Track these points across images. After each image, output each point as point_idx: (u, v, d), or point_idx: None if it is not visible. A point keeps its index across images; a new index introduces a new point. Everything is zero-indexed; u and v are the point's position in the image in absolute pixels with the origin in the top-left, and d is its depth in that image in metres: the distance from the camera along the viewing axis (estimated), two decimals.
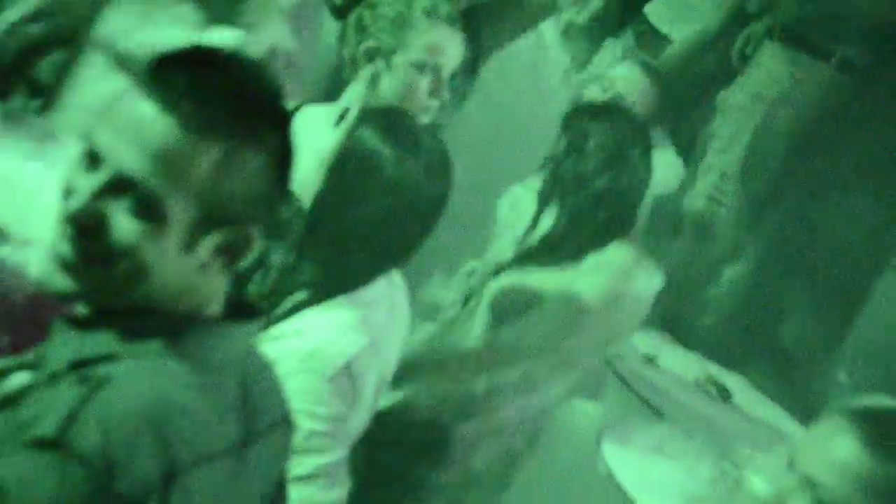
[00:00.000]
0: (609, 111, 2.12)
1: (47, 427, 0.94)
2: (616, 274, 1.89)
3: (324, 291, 1.44)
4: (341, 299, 1.47)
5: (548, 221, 1.97)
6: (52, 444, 0.93)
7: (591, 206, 1.91)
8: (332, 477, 1.50)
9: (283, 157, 1.02)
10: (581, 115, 2.07)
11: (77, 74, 2.12)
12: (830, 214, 2.66)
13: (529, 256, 1.96)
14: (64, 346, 1.01)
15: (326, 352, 1.44)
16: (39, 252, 1.37)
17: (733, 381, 2.49)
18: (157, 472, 0.96)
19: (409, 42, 1.82)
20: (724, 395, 2.41)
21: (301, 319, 1.42)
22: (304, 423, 1.30)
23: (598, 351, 2.01)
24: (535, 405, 1.97)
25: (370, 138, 1.52)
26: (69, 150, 1.45)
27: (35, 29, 2.17)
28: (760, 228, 2.73)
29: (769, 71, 2.65)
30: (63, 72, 2.21)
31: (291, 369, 1.30)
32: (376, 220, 1.48)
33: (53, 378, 0.98)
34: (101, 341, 1.00)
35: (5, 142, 1.80)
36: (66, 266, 0.97)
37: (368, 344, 1.47)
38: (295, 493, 1.22)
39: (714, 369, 2.46)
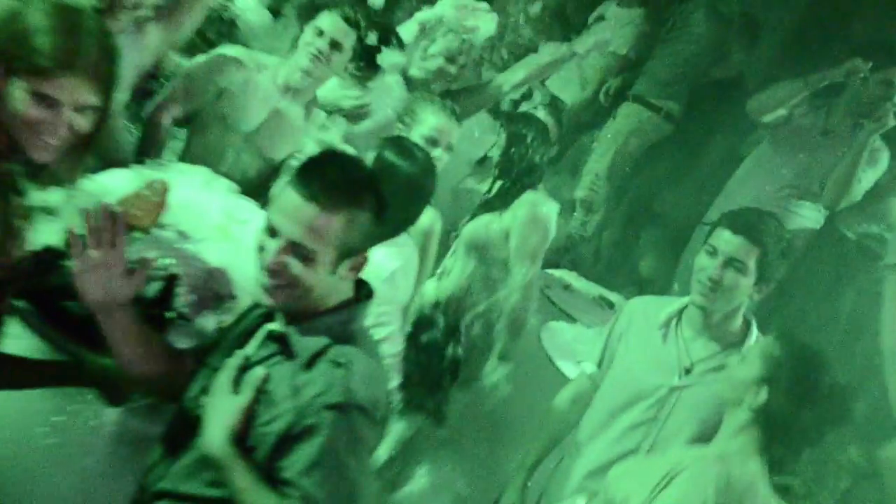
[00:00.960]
0: (535, 119, 3.31)
1: (336, 395, 1.52)
2: (531, 205, 3.04)
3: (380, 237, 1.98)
4: (387, 242, 2.30)
5: (496, 185, 3.12)
6: (343, 406, 1.51)
7: (524, 172, 3.08)
8: (394, 339, 2.51)
9: (380, 208, 1.66)
10: (519, 119, 3.27)
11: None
12: (662, 193, 4.43)
13: (484, 207, 3.11)
14: (299, 342, 1.60)
15: (381, 266, 2.27)
16: (211, 247, 2.30)
17: (615, 298, 3.95)
18: (387, 409, 1.69)
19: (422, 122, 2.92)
20: (610, 305, 3.91)
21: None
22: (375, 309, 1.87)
23: (534, 257, 3.04)
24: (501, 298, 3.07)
25: (390, 155, 2.52)
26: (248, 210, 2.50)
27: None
28: (620, 204, 4.50)
29: (626, 118, 4.41)
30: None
31: None
32: (399, 201, 2.19)
33: (308, 366, 1.57)
34: (313, 339, 1.60)
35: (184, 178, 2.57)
36: (267, 291, 1.61)
37: (399, 266, 2.53)
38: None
39: (603, 291, 4.02)
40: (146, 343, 1.75)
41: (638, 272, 4.61)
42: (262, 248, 1.62)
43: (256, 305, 1.78)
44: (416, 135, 2.85)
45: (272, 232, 1.61)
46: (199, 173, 2.75)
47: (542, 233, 3.06)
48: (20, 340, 1.90)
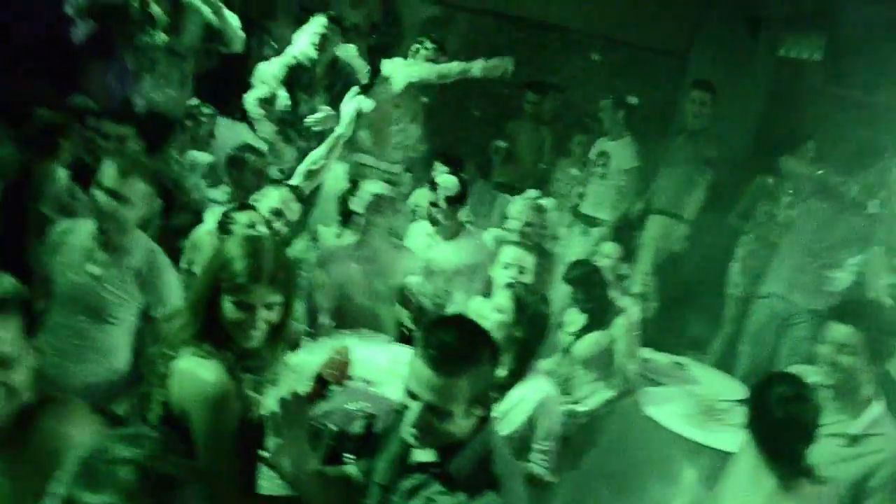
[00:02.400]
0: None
1: None
2: (625, 317, 3.92)
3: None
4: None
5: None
6: None
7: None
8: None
9: (495, 357, 1.97)
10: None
11: None
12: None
13: (587, 329, 3.96)
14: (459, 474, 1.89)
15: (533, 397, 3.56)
16: (390, 388, 3.00)
17: (683, 360, 4.68)
18: None
19: None
20: (681, 366, 4.61)
21: None
22: None
23: (635, 354, 4.00)
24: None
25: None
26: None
27: None
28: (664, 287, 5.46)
29: (654, 226, 5.68)
30: None
31: None
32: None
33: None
34: (465, 465, 1.90)
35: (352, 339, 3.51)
36: (416, 439, 1.91)
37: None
38: None
39: (672, 357, 4.70)
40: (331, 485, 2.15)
41: (684, 337, 5.52)
42: (406, 408, 1.92)
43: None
44: None
45: (412, 395, 1.88)
46: (361, 333, 3.64)
47: (634, 336, 3.90)
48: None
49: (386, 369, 3.27)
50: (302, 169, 4.00)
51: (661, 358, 4.67)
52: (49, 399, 1.87)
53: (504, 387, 2.87)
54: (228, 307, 2.07)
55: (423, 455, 1.97)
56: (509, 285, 3.15)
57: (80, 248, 2.91)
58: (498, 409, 2.78)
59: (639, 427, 3.83)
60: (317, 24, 4.86)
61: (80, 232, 2.95)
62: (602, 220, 5.95)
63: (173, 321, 2.20)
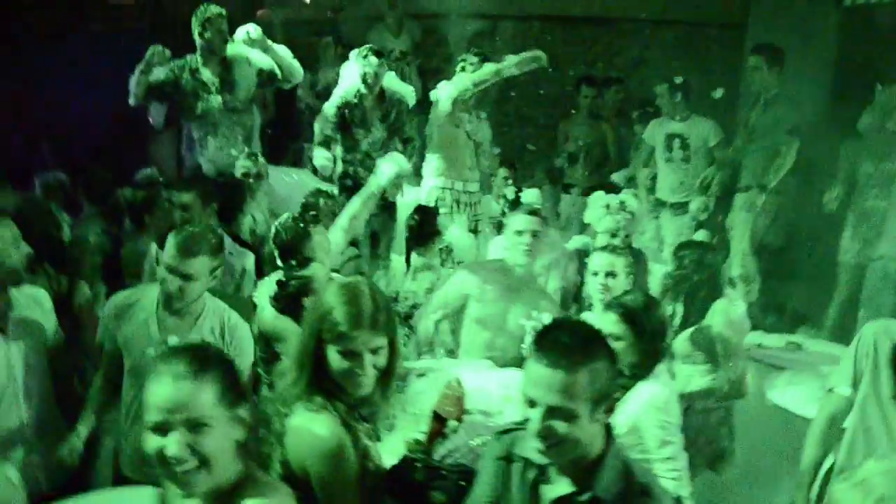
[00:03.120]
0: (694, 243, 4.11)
1: None
2: (723, 313, 3.55)
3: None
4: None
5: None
6: None
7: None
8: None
9: (613, 355, 1.92)
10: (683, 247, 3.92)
11: None
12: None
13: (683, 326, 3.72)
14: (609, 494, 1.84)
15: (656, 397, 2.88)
16: (507, 415, 2.80)
17: (797, 339, 4.49)
18: None
19: None
20: (798, 346, 4.42)
21: None
22: None
23: (738, 353, 3.58)
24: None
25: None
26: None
27: None
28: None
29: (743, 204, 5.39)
30: None
31: None
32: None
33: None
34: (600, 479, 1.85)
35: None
36: (542, 453, 1.85)
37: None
38: None
39: (787, 337, 4.51)
40: None
41: (794, 314, 5.28)
42: (527, 419, 1.87)
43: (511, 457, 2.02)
44: None
45: (531, 403, 1.86)
46: (463, 361, 3.57)
47: (740, 331, 3.55)
48: None
49: (499, 397, 3.18)
50: (342, 223, 3.82)
51: (774, 340, 4.46)
52: (251, 479, 1.78)
53: (626, 388, 2.73)
54: (334, 357, 2.05)
55: (560, 488, 1.90)
56: (610, 306, 2.93)
57: (150, 319, 2.92)
58: None
59: (766, 418, 3.64)
60: (362, 61, 4.86)
61: (148, 301, 2.95)
62: (682, 203, 5.77)
63: (282, 379, 2.22)
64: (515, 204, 4.31)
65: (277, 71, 5.14)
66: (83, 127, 7.50)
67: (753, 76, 5.48)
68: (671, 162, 5.86)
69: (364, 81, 4.85)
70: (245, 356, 2.97)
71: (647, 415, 2.68)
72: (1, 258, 2.75)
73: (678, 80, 5.80)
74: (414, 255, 4.42)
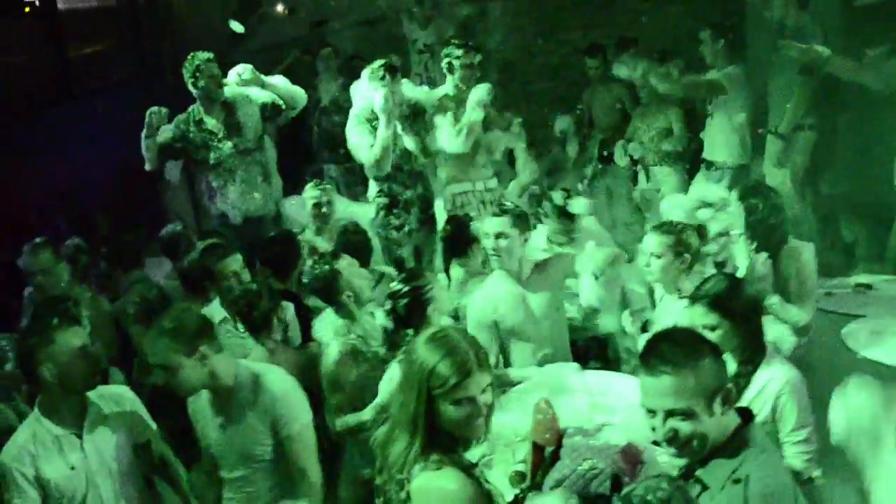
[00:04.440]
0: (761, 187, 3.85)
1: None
2: (791, 258, 3.51)
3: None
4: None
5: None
6: None
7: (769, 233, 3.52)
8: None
9: (713, 349, 2.05)
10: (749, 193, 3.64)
11: None
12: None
13: None
14: (710, 477, 1.98)
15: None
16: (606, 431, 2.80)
17: (866, 279, 4.28)
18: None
19: None
20: (868, 287, 4.22)
21: None
22: None
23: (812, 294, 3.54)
24: None
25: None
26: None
27: None
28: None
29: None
30: None
31: None
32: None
33: (720, 490, 1.96)
34: (718, 468, 1.98)
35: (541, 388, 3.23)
36: (677, 456, 2.02)
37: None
38: None
39: (856, 279, 4.35)
40: None
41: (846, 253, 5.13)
42: (653, 429, 2.02)
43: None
44: None
45: (651, 413, 2.03)
46: (545, 378, 3.45)
47: (813, 271, 3.51)
48: None
49: (587, 406, 3.09)
50: None
51: (839, 284, 4.32)
52: None
53: (741, 375, 2.70)
54: (449, 410, 2.04)
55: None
56: (695, 298, 2.80)
57: (204, 405, 2.86)
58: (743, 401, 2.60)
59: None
60: (378, 82, 4.65)
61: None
62: (720, 162, 5.55)
63: (388, 446, 2.13)
64: (562, 211, 4.11)
65: (280, 102, 5.06)
66: (87, 190, 7.47)
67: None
68: (707, 116, 5.63)
69: (385, 101, 4.60)
70: (295, 416, 2.80)
71: (780, 398, 2.66)
72: (69, 370, 2.66)
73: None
74: (455, 268, 4.29)
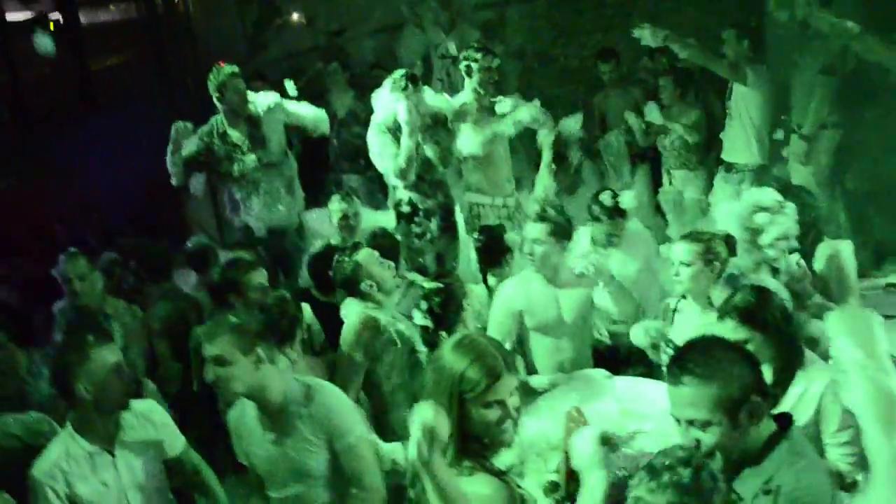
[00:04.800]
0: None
1: None
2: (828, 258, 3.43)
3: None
4: None
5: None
6: None
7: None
8: None
9: (740, 361, 2.04)
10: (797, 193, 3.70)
11: None
12: None
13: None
14: (743, 487, 1.98)
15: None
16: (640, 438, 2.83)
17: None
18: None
19: None
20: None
21: None
22: None
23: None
24: None
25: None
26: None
27: None
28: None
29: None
30: None
31: None
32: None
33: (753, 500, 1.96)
34: (751, 478, 1.96)
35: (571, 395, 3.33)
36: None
37: None
38: None
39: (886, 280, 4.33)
40: None
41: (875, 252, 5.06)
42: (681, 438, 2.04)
43: None
44: None
45: (677, 421, 2.06)
46: (574, 385, 3.44)
47: (850, 270, 3.39)
48: None
49: (617, 413, 3.07)
50: None
51: (867, 284, 4.29)
52: None
53: (778, 384, 2.62)
54: (480, 414, 2.06)
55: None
56: (724, 313, 2.71)
57: (251, 422, 2.81)
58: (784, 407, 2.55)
59: None
60: (400, 93, 4.64)
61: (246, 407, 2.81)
62: (740, 164, 5.48)
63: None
64: (615, 211, 4.09)
65: (305, 126, 5.16)
66: (109, 202, 7.55)
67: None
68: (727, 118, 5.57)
69: (409, 113, 4.61)
70: (348, 428, 2.74)
71: (823, 401, 2.63)
72: (104, 387, 2.67)
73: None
74: (490, 279, 4.30)
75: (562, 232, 3.63)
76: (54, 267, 4.32)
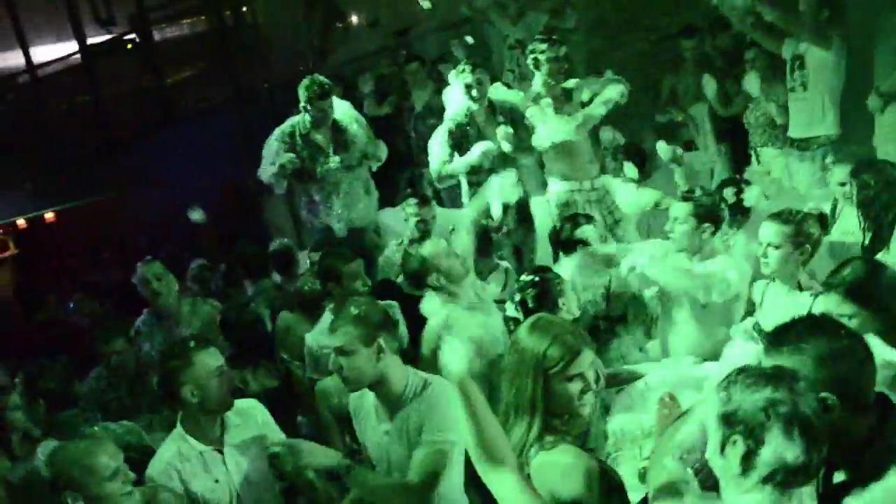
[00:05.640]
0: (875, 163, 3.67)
1: None
2: None
3: None
4: None
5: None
6: None
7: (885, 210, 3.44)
8: None
9: (832, 343, 1.91)
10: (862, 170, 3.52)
11: None
12: None
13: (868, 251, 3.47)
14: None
15: None
16: None
17: None
18: None
19: None
20: None
21: None
22: None
23: None
24: None
25: None
26: None
27: None
28: None
29: None
30: None
31: None
32: None
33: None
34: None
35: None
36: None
37: None
38: None
39: None
40: None
41: None
42: None
43: None
44: None
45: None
46: (666, 373, 3.39)
47: None
48: None
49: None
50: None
51: None
52: None
53: None
54: (562, 388, 2.12)
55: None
56: (830, 285, 2.57)
57: (368, 409, 2.84)
58: None
59: None
60: (462, 75, 4.73)
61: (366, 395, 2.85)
62: (822, 137, 5.22)
63: (511, 431, 2.16)
64: (738, 208, 4.01)
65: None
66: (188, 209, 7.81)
67: None
68: (793, 91, 5.40)
69: (469, 95, 4.70)
70: (438, 428, 2.66)
71: None
72: (208, 390, 2.77)
73: None
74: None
75: (705, 213, 3.54)
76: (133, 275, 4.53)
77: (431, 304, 3.56)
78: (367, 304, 2.79)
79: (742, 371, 1.78)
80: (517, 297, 3.23)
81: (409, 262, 3.59)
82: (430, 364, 3.27)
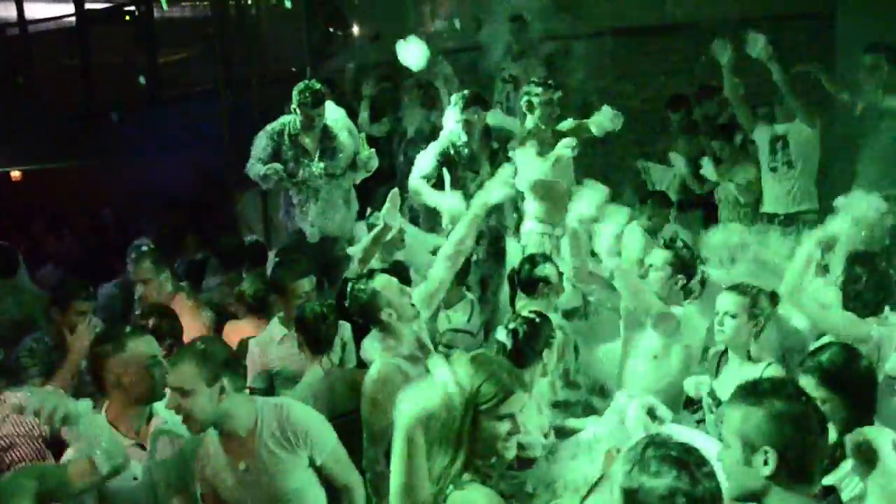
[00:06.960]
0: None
1: None
2: None
3: None
4: None
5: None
6: None
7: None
8: None
9: (788, 410, 1.97)
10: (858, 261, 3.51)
11: None
12: None
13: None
14: None
15: None
16: None
17: None
18: None
19: None
20: None
21: None
22: None
23: None
24: None
25: None
26: None
27: None
28: None
29: None
30: None
31: None
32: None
33: None
34: None
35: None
36: None
37: None
38: None
39: None
40: None
41: None
42: None
43: None
44: None
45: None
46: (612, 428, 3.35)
47: None
48: None
49: None
50: (446, 252, 3.71)
51: None
52: None
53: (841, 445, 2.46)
54: (491, 426, 2.14)
55: None
56: (807, 369, 2.58)
57: (217, 453, 2.73)
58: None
59: None
60: (460, 114, 4.77)
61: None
62: (802, 214, 5.36)
63: (433, 462, 2.15)
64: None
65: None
66: (161, 193, 7.70)
67: (872, 74, 5.11)
68: (774, 169, 5.51)
69: (464, 130, 4.77)
70: (323, 445, 2.73)
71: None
72: (136, 378, 2.71)
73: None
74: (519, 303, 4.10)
75: (681, 265, 3.76)
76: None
77: (372, 350, 3.39)
78: (213, 342, 2.71)
79: (651, 444, 1.83)
80: (511, 325, 3.13)
81: (359, 295, 3.33)
82: (371, 406, 3.21)
